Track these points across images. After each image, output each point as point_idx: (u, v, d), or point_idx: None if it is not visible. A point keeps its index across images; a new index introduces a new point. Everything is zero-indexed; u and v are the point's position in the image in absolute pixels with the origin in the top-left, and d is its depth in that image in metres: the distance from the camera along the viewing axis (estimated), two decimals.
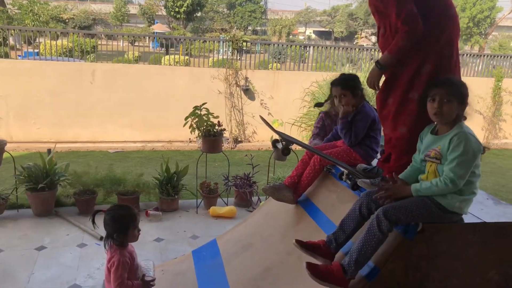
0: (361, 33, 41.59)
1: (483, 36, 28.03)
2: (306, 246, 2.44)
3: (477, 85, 10.78)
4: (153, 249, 4.50)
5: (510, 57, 13.09)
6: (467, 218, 2.30)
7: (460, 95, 2.19)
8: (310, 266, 2.28)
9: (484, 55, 13.12)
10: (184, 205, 5.61)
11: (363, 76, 7.75)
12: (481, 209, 2.44)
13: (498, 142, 11.89)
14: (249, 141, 9.99)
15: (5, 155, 5.03)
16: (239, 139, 9.93)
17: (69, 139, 8.90)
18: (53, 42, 11.59)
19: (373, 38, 38.88)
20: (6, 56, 10.05)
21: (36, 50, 11.43)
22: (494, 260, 2.36)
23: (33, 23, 19.56)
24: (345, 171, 3.04)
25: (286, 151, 2.94)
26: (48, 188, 5.03)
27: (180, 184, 5.53)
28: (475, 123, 10.82)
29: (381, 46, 2.60)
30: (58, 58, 10.23)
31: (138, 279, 2.64)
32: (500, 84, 11.57)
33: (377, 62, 2.51)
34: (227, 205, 5.59)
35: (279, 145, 3.06)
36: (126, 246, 2.61)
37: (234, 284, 3.25)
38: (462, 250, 2.32)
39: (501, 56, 13.32)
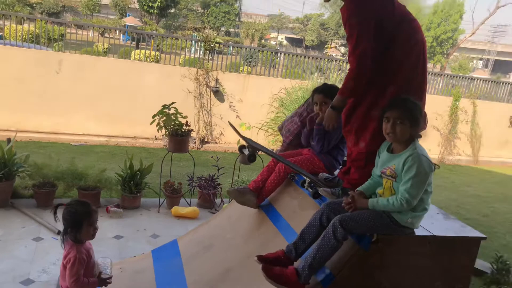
0: (331, 43, 42.44)
1: (445, 56, 29.26)
2: (267, 261, 2.46)
3: (437, 103, 11.27)
4: (112, 246, 4.46)
5: (468, 78, 13.79)
6: (419, 231, 2.44)
7: (413, 118, 2.28)
8: (264, 268, 2.36)
9: (444, 75, 13.73)
10: (146, 203, 5.57)
11: None
12: (431, 223, 2.59)
13: (452, 158, 12.47)
14: (216, 143, 10.01)
15: None
16: (206, 140, 9.93)
17: (30, 129, 8.62)
18: (19, 27, 11.18)
19: (342, 49, 39.74)
20: None
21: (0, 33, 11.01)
22: (441, 272, 2.52)
23: None
24: (307, 179, 3.14)
25: (252, 157, 3.01)
26: (5, 178, 4.87)
27: (143, 182, 5.48)
28: (432, 139, 11.30)
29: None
30: (23, 44, 9.88)
31: (94, 277, 2.63)
32: (457, 103, 12.16)
33: (331, 106, 2.67)
34: (190, 205, 5.60)
35: (246, 151, 3.12)
36: (82, 242, 2.59)
37: (192, 284, 3.28)
38: (412, 261, 2.46)
39: (460, 77, 14.01)
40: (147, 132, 9.30)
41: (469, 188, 9.60)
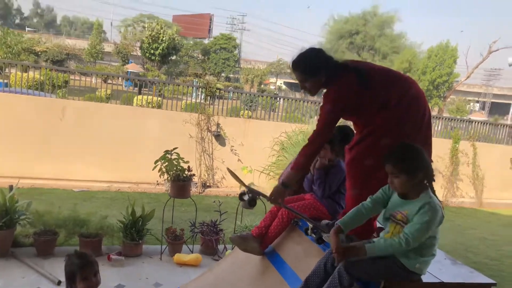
0: None
1: (442, 99, 29.75)
2: None
3: (437, 145, 11.21)
4: None
5: (466, 120, 13.96)
6: (426, 278, 2.41)
7: (407, 169, 2.23)
8: None
9: (442, 117, 13.92)
10: (148, 250, 5.50)
11: None
12: (439, 269, 2.56)
13: (456, 201, 12.40)
14: (218, 187, 10.00)
15: None
16: (208, 184, 9.93)
17: (33, 175, 8.64)
18: (24, 74, 11.46)
19: None
20: None
21: (5, 81, 11.25)
22: None
23: (5, 55, 19.31)
24: (310, 225, 3.13)
25: (252, 202, 3.02)
26: (6, 226, 4.84)
27: (145, 228, 5.44)
28: (435, 182, 11.20)
29: None
30: (28, 91, 10.09)
31: None
32: (457, 145, 12.24)
33: (282, 183, 2.78)
34: (192, 252, 5.52)
35: (246, 197, 3.14)
36: None
37: None
38: None
39: (458, 120, 14.19)
40: (149, 177, 9.30)
41: (475, 231, 9.49)
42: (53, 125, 9.06)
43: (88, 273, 2.49)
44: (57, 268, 4.69)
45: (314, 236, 3.04)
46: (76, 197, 8.06)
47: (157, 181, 9.31)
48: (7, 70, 12.08)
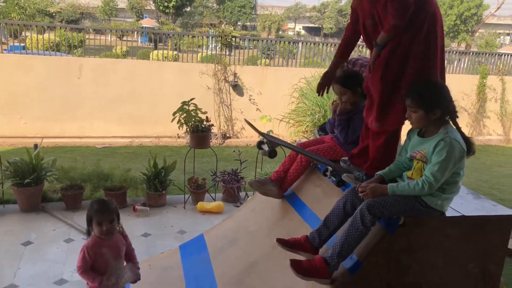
0: None
1: (470, 34, 28.34)
2: (288, 244, 2.48)
3: (463, 82, 10.90)
4: (141, 244, 4.51)
5: (495, 54, 13.26)
6: (448, 212, 2.35)
7: (425, 104, 2.20)
8: (293, 263, 2.31)
9: (470, 53, 13.27)
10: (171, 200, 5.62)
11: None
12: (460, 204, 2.49)
13: (482, 139, 12.09)
14: (238, 137, 10.01)
15: None
16: (228, 135, 9.94)
17: (55, 134, 8.81)
18: (40, 36, 11.43)
19: None
20: None
21: (22, 44, 11.27)
22: (473, 253, 2.43)
23: (19, 17, 19.25)
24: (330, 168, 3.08)
25: (272, 153, 2.96)
26: (34, 183, 5.00)
27: (167, 179, 5.53)
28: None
29: (372, 37, 2.63)
30: (44, 52, 10.10)
31: (112, 275, 2.63)
32: (484, 81, 11.73)
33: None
34: (214, 200, 5.61)
35: (265, 147, 3.09)
36: (99, 237, 2.62)
37: (220, 278, 3.28)
38: (442, 243, 2.38)
39: (486, 54, 13.50)
40: (169, 131, 9.37)
41: (502, 168, 9.29)
42: (72, 84, 9.10)
43: (102, 219, 2.56)
44: (85, 220, 4.85)
45: (334, 179, 3.00)
46: (98, 153, 8.23)
47: (178, 134, 9.34)
48: (23, 33, 12.07)
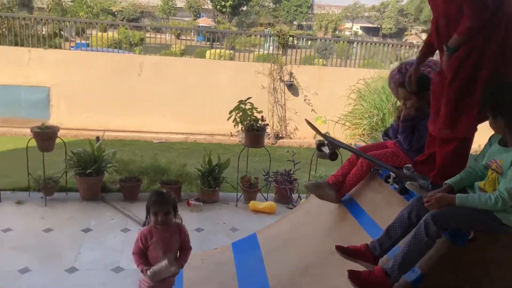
0: (411, 30, 40.27)
1: None
2: (347, 252, 2.39)
3: None
4: (194, 239, 4.47)
5: None
6: None
7: (505, 112, 2.04)
8: (351, 274, 2.21)
9: None
10: (224, 197, 5.66)
11: None
12: None
13: None
14: (290, 138, 9.93)
15: (56, 140, 5.27)
16: (280, 135, 9.89)
17: (115, 128, 9.18)
18: (103, 34, 11.98)
19: (423, 36, 37.52)
20: (60, 47, 10.48)
21: (87, 42, 11.86)
22: None
23: (86, 15, 20.30)
24: (392, 174, 2.95)
25: (333, 156, 2.87)
26: (95, 173, 5.22)
27: (221, 176, 5.58)
28: None
29: (444, 38, 2.47)
30: (108, 49, 10.57)
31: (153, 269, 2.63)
32: None
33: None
34: (266, 200, 5.59)
35: (325, 149, 3.00)
36: (148, 225, 2.70)
37: (272, 278, 3.25)
38: None
39: None
40: (222, 129, 9.47)
41: None
42: (133, 80, 9.44)
43: (158, 209, 2.61)
44: (142, 211, 4.97)
45: (397, 185, 2.87)
46: (155, 148, 8.48)
47: (231, 132, 9.46)
48: (87, 31, 12.68)
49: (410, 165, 2.93)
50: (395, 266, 2.17)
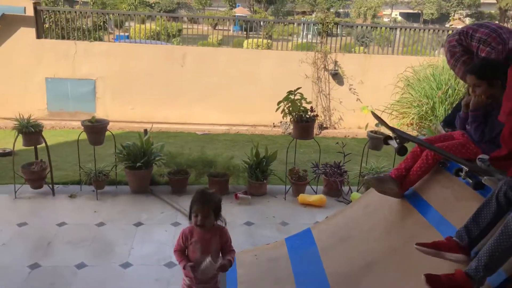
0: (454, 14, 38.52)
1: None
2: (429, 245, 2.21)
3: None
4: (244, 232, 4.52)
5: None
6: None
7: None
8: (430, 279, 2.01)
9: None
10: (272, 190, 5.57)
11: None
12: None
13: None
14: (335, 128, 9.68)
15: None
16: (325, 126, 9.66)
17: (159, 120, 9.25)
18: (142, 26, 12.08)
19: (467, 20, 35.88)
20: (102, 39, 10.65)
21: (126, 34, 11.99)
22: None
23: (129, 7, 20.63)
24: (464, 168, 2.73)
25: (402, 150, 2.68)
26: (145, 167, 5.23)
27: (268, 169, 5.48)
28: None
29: None
30: (147, 41, 10.63)
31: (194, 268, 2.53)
32: None
33: None
34: (316, 193, 5.45)
35: (393, 143, 2.81)
36: (192, 224, 2.61)
37: (332, 276, 3.12)
38: None
39: None
40: (265, 120, 9.37)
41: None
42: (175, 72, 9.46)
43: (199, 210, 2.53)
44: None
45: (470, 180, 2.65)
46: (199, 140, 8.47)
47: (273, 123, 9.34)
48: (126, 23, 12.83)
49: (484, 156, 2.70)
50: (480, 267, 1.98)
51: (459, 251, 2.15)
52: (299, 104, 5.04)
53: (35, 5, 9.02)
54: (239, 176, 5.56)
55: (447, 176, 2.98)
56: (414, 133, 8.21)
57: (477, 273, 1.98)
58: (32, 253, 3.93)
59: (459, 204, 2.77)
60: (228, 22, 13.76)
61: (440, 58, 9.15)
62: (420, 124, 8.57)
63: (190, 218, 2.63)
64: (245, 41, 14.25)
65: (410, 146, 2.94)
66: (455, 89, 8.36)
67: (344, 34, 12.11)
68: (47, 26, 9.58)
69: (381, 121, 2.80)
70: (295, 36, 13.79)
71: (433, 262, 2.35)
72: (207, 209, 2.55)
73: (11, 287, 3.43)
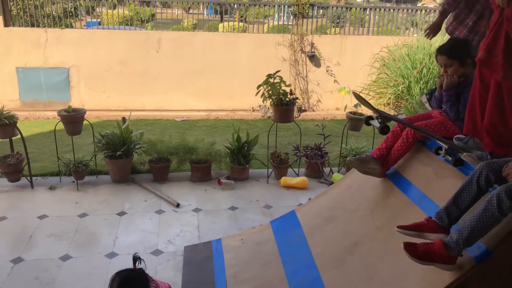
0: None
1: None
2: (409, 228, 2.30)
3: None
4: (228, 217, 4.54)
5: None
6: None
7: None
8: (408, 247, 2.13)
9: None
10: (254, 174, 5.59)
11: (439, 40, 7.17)
12: None
13: None
14: (314, 110, 9.74)
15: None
16: (303, 108, 9.71)
17: (136, 107, 9.10)
18: (113, 11, 11.75)
19: None
20: (72, 26, 10.32)
21: (97, 20, 11.66)
22: None
23: None
24: (444, 146, 2.81)
25: (384, 129, 2.73)
26: (125, 155, 5.16)
27: (250, 153, 5.49)
28: None
29: None
30: (120, 27, 10.37)
31: None
32: None
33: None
34: (298, 175, 5.50)
35: (374, 123, 2.86)
36: None
37: (318, 256, 3.18)
38: None
39: None
40: (244, 104, 9.34)
41: None
42: (151, 58, 9.28)
43: None
44: (173, 192, 5.00)
45: (450, 158, 2.73)
46: (179, 126, 8.39)
47: (253, 107, 9.33)
48: (97, 9, 12.45)
49: (461, 136, 2.80)
50: (460, 240, 2.07)
51: (440, 231, 2.23)
52: (278, 87, 5.04)
53: None
54: (221, 161, 5.55)
55: (427, 154, 3.06)
56: (391, 112, 8.34)
57: (457, 246, 2.08)
58: (14, 247, 3.85)
59: (439, 181, 2.84)
60: (202, 6, 13.50)
61: (414, 38, 9.27)
62: (396, 103, 8.72)
63: None
64: (220, 25, 14.05)
65: (390, 126, 3.01)
66: (429, 68, 8.51)
67: (318, 16, 12.10)
68: (14, 13, 9.22)
69: (363, 102, 2.84)
70: (268, 18, 13.66)
71: (416, 240, 2.43)
72: None
73: None
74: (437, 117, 3.10)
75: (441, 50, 2.98)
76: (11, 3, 9.05)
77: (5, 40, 8.82)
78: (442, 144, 2.81)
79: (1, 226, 4.22)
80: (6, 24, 8.81)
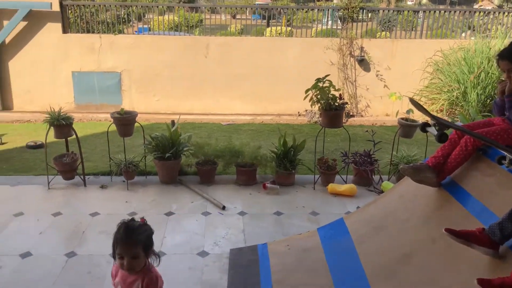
0: None
1: None
2: (459, 234, 2.18)
3: None
4: (274, 222, 4.50)
5: None
6: None
7: None
8: (482, 282, 1.94)
9: None
10: (300, 180, 5.51)
11: (499, 44, 6.79)
12: None
13: None
14: (362, 116, 9.52)
15: None
16: (351, 113, 9.51)
17: (184, 111, 9.28)
18: (162, 18, 12.06)
19: (496, 1, 34.58)
20: (123, 32, 10.70)
21: (147, 26, 12.02)
22: None
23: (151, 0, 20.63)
24: (508, 155, 2.63)
25: (443, 137, 2.60)
26: (173, 157, 5.26)
27: (297, 158, 5.43)
28: None
29: None
30: (170, 32, 10.63)
31: None
32: None
33: None
34: (346, 182, 5.37)
35: (432, 130, 2.73)
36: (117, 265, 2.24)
37: (368, 265, 3.07)
38: None
39: None
40: (290, 108, 9.29)
41: None
42: (199, 63, 9.45)
43: (123, 251, 2.11)
44: (219, 194, 5.04)
45: None
46: (225, 130, 8.46)
47: (299, 112, 9.25)
48: (146, 16, 12.85)
49: None
50: None
51: (489, 246, 2.09)
52: (328, 91, 4.95)
53: (61, 0, 9.13)
54: (267, 166, 5.52)
55: (489, 164, 2.88)
56: (446, 119, 7.98)
57: None
58: (68, 242, 4.01)
59: (502, 193, 2.67)
60: (247, 11, 13.59)
61: (472, 41, 8.85)
62: (450, 110, 8.34)
63: (114, 258, 2.18)
64: (267, 30, 14.09)
65: (448, 133, 2.85)
66: (488, 73, 8.07)
67: (366, 19, 11.86)
68: (72, 20, 9.70)
69: (420, 108, 2.71)
70: (316, 22, 13.52)
71: (476, 252, 2.28)
72: (135, 250, 2.11)
73: (51, 274, 3.51)
74: (499, 124, 2.91)
75: (502, 55, 2.80)
76: (69, 11, 9.51)
77: (63, 45, 9.28)
78: (505, 153, 2.64)
79: (56, 221, 4.41)
80: (64, 31, 9.27)
